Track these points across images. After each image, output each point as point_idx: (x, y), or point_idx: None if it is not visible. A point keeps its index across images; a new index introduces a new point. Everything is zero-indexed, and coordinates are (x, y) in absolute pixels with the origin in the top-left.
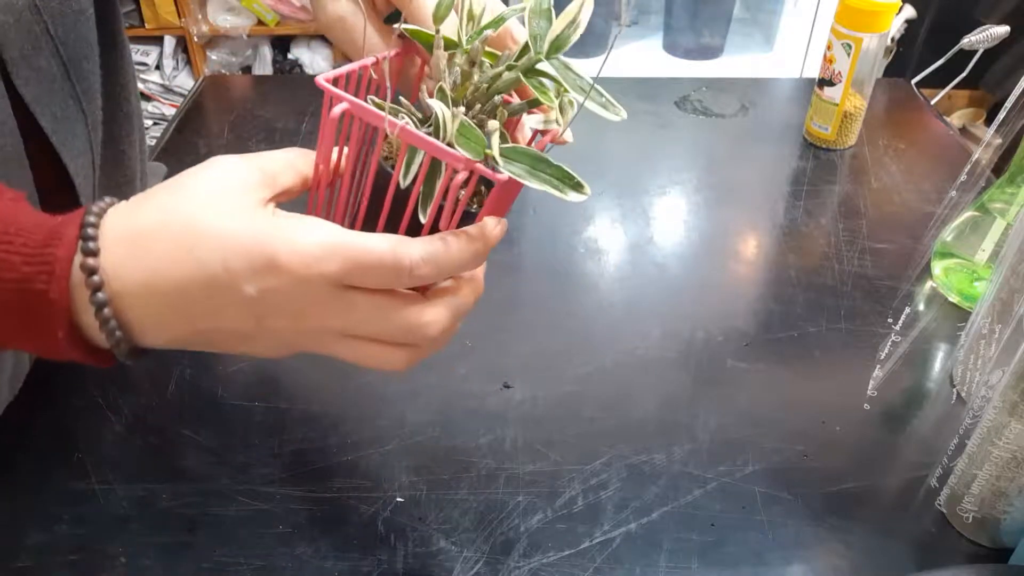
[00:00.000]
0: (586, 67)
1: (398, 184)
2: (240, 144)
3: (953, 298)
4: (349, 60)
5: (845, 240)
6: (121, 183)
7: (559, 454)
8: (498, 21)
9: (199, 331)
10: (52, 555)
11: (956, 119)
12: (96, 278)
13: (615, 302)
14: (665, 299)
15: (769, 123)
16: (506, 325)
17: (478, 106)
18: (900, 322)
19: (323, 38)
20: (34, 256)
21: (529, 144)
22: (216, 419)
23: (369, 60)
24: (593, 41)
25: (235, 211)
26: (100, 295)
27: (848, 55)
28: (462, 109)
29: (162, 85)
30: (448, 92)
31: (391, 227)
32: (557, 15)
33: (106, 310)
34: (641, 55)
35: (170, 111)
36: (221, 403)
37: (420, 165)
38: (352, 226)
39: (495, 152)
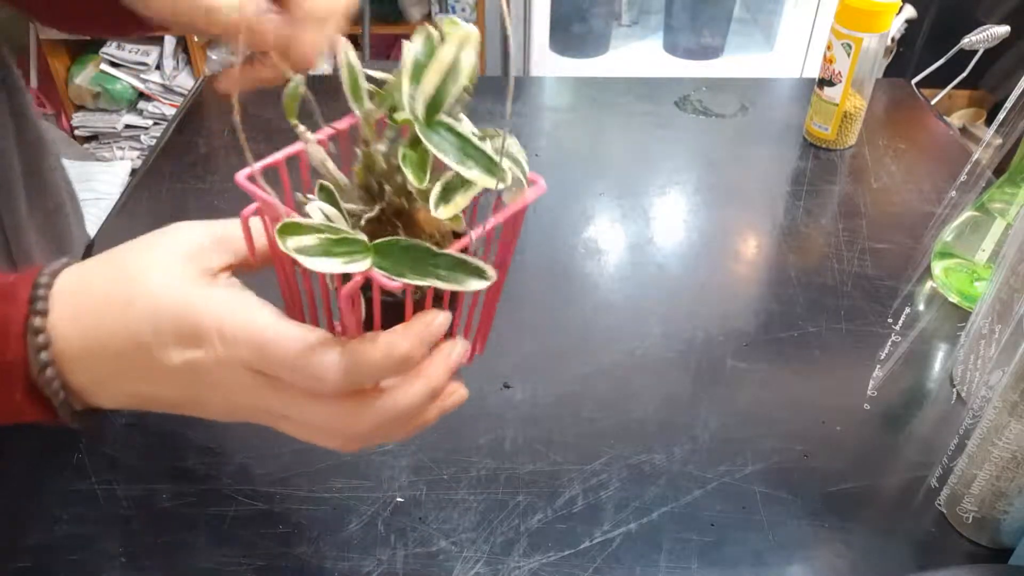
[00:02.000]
0: (586, 67)
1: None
2: (240, 144)
3: (953, 298)
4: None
5: (845, 240)
6: (51, 210)
7: (559, 454)
8: (383, 100)
9: (142, 396)
10: (52, 555)
11: (956, 119)
12: (41, 338)
13: (615, 302)
14: (665, 299)
15: (769, 123)
16: (506, 325)
17: (388, 187)
18: (900, 322)
19: None
20: None
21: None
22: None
23: (293, 148)
24: (593, 41)
25: (176, 278)
26: (43, 355)
27: (848, 55)
28: (359, 208)
29: (162, 85)
30: (333, 188)
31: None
32: None
33: (48, 370)
34: (641, 55)
35: (170, 111)
36: None
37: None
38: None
39: (336, 264)
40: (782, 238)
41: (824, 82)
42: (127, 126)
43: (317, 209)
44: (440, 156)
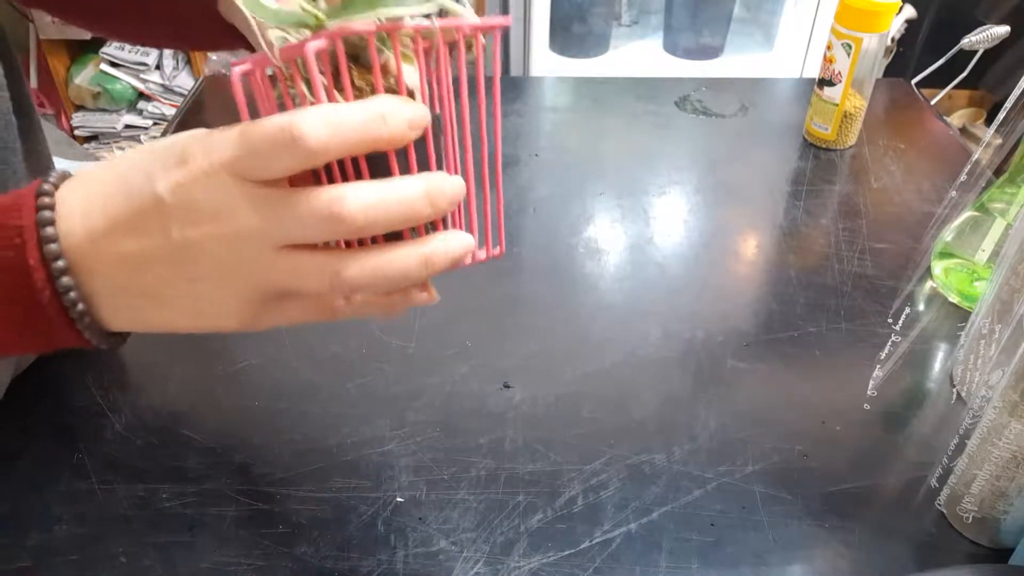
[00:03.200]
0: (586, 67)
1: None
2: None
3: (953, 298)
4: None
5: (845, 240)
6: None
7: (559, 454)
8: None
9: (130, 264)
10: (52, 555)
11: (956, 119)
12: (54, 246)
13: (615, 302)
14: (665, 299)
15: (769, 123)
16: (506, 325)
17: None
18: (900, 322)
19: None
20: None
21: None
22: (216, 419)
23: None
24: (593, 41)
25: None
26: (59, 263)
27: (848, 55)
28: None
29: (162, 85)
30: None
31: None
32: None
33: (64, 279)
34: (641, 55)
35: (170, 111)
36: (221, 403)
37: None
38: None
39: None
40: (782, 238)
41: (824, 82)
42: (127, 126)
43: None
44: None
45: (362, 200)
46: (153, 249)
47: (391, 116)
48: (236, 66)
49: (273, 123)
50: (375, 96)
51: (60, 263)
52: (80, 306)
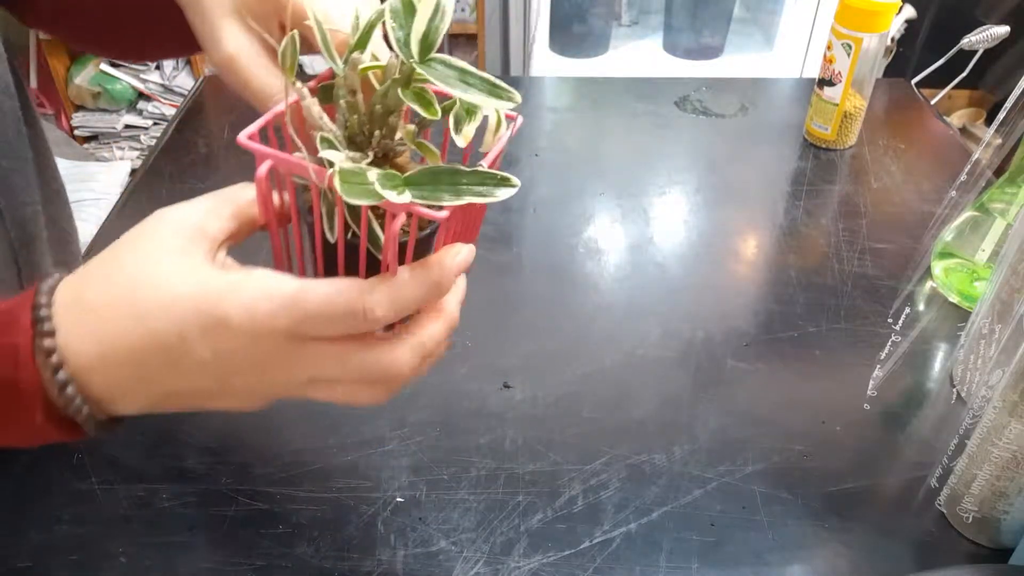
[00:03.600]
0: (586, 67)
1: (346, 229)
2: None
3: (953, 298)
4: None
5: (845, 240)
6: (70, 262)
7: (559, 454)
8: (364, 39)
9: (167, 394)
10: (52, 555)
11: (956, 119)
12: (55, 358)
13: (615, 302)
14: (665, 299)
15: (769, 123)
16: (506, 325)
17: (378, 133)
18: (900, 322)
19: None
20: None
21: (465, 159)
22: (216, 419)
23: (280, 107)
24: (593, 41)
25: (180, 273)
26: (61, 374)
27: (848, 55)
28: (355, 155)
29: (162, 85)
30: (333, 138)
31: (351, 265)
32: None
33: (69, 388)
34: (641, 55)
35: (170, 111)
36: None
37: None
38: (315, 270)
39: (393, 196)
40: (782, 238)
41: (824, 82)
42: (127, 126)
43: (332, 156)
44: (443, 87)
45: (406, 359)
46: (188, 390)
47: (445, 283)
48: (259, 159)
49: (340, 302)
50: (432, 263)
51: (62, 375)
52: (84, 410)
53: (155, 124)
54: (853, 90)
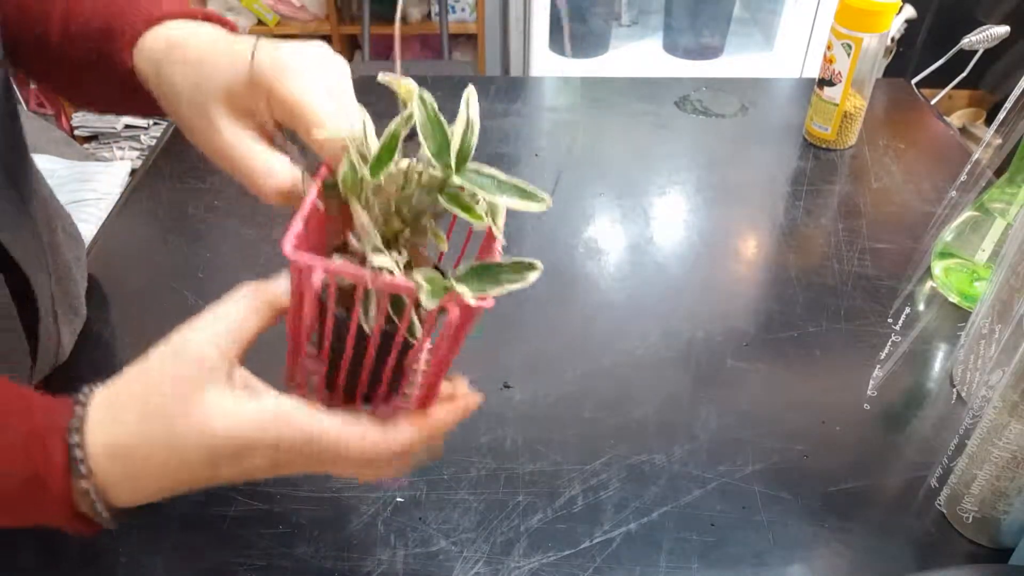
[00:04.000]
0: (587, 67)
1: (362, 331)
2: None
3: (953, 298)
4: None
5: (845, 240)
6: (62, 275)
7: (559, 454)
8: (391, 146)
9: (179, 490)
10: (53, 555)
11: (956, 119)
12: (92, 496)
13: (615, 302)
14: (665, 299)
15: (769, 123)
16: (506, 325)
17: (408, 232)
18: (900, 322)
19: (324, 38)
20: (28, 481)
21: (479, 254)
22: None
23: (305, 210)
24: (593, 41)
25: (209, 411)
26: (97, 506)
27: (848, 55)
28: (397, 256)
29: None
30: (380, 246)
31: (374, 374)
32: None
33: (97, 506)
34: (641, 55)
35: None
36: None
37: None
38: (331, 383)
39: (460, 288)
40: (782, 238)
41: (824, 82)
42: (127, 126)
43: (386, 260)
44: (482, 193)
45: (412, 450)
46: (203, 486)
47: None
48: (305, 270)
49: (360, 447)
50: (459, 404)
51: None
52: (102, 513)
53: (155, 124)
54: (853, 90)
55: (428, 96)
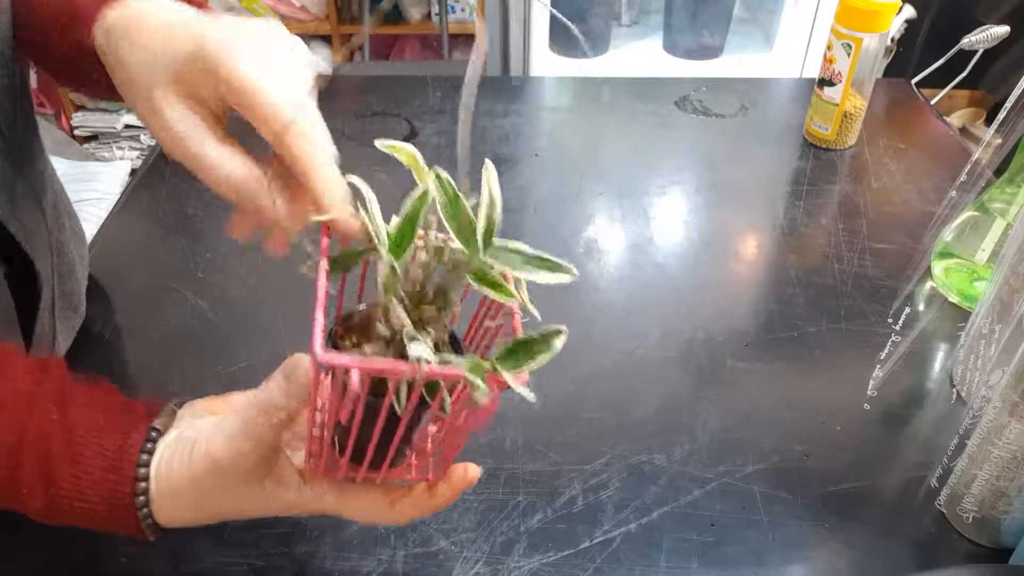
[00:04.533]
0: (587, 67)
1: (391, 413)
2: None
3: (953, 298)
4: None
5: (845, 240)
6: (64, 272)
7: (559, 454)
8: (409, 228)
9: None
10: (54, 555)
11: (956, 119)
12: (149, 521)
13: (615, 302)
14: (665, 299)
15: (769, 123)
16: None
17: (430, 308)
18: (900, 322)
19: (324, 38)
20: (112, 512)
21: (494, 334)
22: None
23: (323, 300)
24: (593, 41)
25: (250, 506)
26: (151, 525)
27: (848, 55)
28: (425, 338)
29: None
30: (415, 334)
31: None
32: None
33: (151, 526)
34: (641, 55)
35: None
36: None
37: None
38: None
39: (502, 372)
40: (782, 238)
41: (824, 82)
42: (127, 126)
43: (424, 349)
44: (510, 270)
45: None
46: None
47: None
48: (337, 370)
49: (409, 513)
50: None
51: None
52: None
53: None
54: (853, 90)
55: (444, 174)
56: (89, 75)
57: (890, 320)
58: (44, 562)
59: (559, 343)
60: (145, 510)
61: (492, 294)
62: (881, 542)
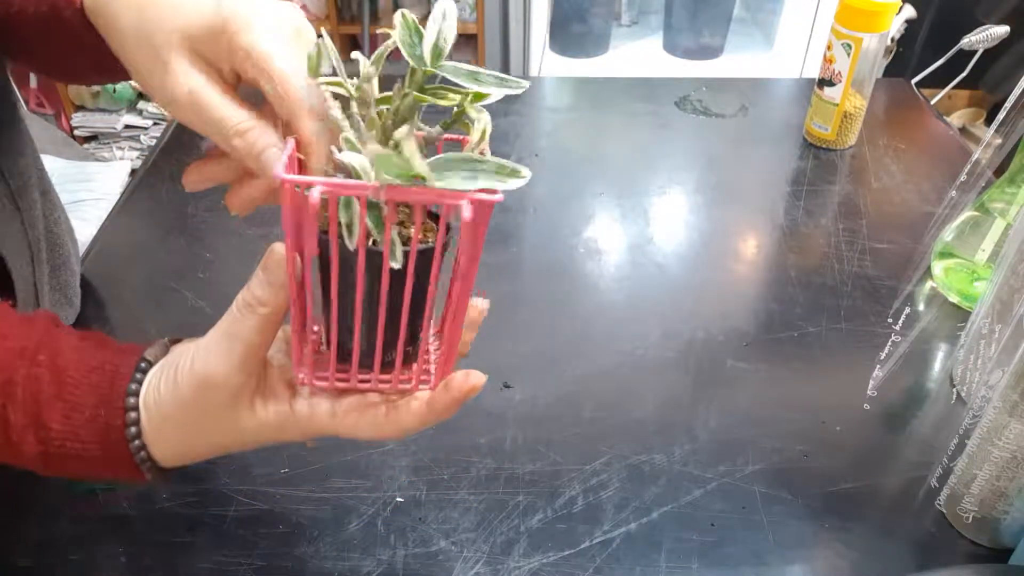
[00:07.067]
0: (586, 67)
1: (372, 268)
2: None
3: (953, 298)
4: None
5: (845, 240)
6: (58, 264)
7: (559, 454)
8: (378, 60)
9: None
10: (53, 554)
11: (956, 119)
12: (143, 454)
13: (615, 302)
14: (665, 299)
15: (769, 123)
16: (506, 325)
17: (392, 143)
18: (900, 322)
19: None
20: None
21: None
22: None
23: (292, 146)
24: (593, 41)
25: (243, 426)
26: (148, 464)
27: (848, 55)
28: (376, 149)
29: None
30: (355, 141)
31: (388, 329)
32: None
33: (146, 463)
34: (641, 55)
35: None
36: None
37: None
38: (343, 352)
39: (424, 171)
40: (782, 238)
41: (824, 82)
42: (127, 126)
43: (353, 158)
44: (457, 80)
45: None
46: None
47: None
48: (297, 191)
49: (400, 435)
50: (466, 386)
51: (137, 442)
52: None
53: (155, 124)
54: (853, 90)
55: (409, 14)
56: (65, 44)
57: (890, 320)
58: (40, 562)
59: (514, 183)
60: (137, 442)
61: (436, 101)
62: (881, 542)
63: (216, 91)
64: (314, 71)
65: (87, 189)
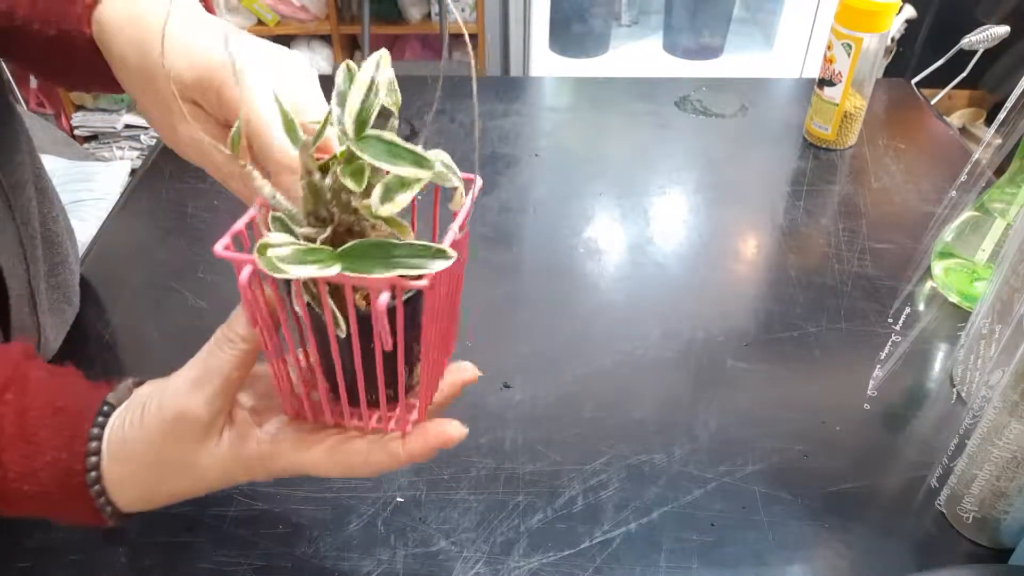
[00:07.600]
0: (586, 67)
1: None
2: None
3: (953, 298)
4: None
5: (845, 240)
6: (56, 263)
7: (559, 454)
8: (323, 126)
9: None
10: (52, 555)
11: (956, 119)
12: (103, 499)
13: (615, 302)
14: (665, 299)
15: (769, 123)
16: (506, 325)
17: (336, 210)
18: (900, 322)
19: (324, 38)
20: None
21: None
22: None
23: (254, 210)
24: (593, 41)
25: (207, 464)
26: (108, 509)
27: (848, 55)
28: (311, 231)
29: None
30: (286, 217)
31: (345, 354)
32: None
33: (107, 508)
34: (641, 55)
35: None
36: None
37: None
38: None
39: (313, 270)
40: (782, 238)
41: (824, 82)
42: (127, 126)
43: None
44: (373, 161)
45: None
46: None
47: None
48: (238, 267)
49: (375, 472)
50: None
51: (97, 488)
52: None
53: None
54: (853, 90)
55: (354, 66)
56: (72, 63)
57: (890, 320)
58: (39, 562)
59: (436, 266)
60: (97, 487)
61: (350, 184)
62: (881, 542)
63: (216, 136)
64: (235, 149)
65: (87, 189)
